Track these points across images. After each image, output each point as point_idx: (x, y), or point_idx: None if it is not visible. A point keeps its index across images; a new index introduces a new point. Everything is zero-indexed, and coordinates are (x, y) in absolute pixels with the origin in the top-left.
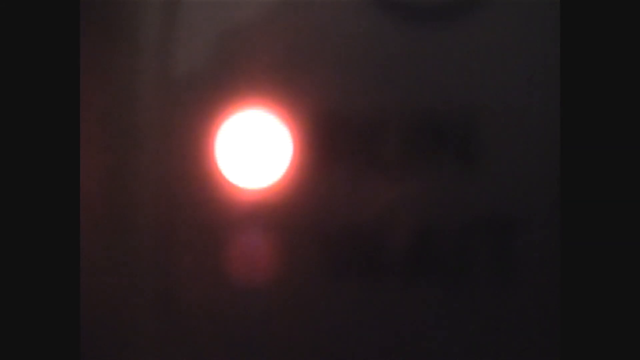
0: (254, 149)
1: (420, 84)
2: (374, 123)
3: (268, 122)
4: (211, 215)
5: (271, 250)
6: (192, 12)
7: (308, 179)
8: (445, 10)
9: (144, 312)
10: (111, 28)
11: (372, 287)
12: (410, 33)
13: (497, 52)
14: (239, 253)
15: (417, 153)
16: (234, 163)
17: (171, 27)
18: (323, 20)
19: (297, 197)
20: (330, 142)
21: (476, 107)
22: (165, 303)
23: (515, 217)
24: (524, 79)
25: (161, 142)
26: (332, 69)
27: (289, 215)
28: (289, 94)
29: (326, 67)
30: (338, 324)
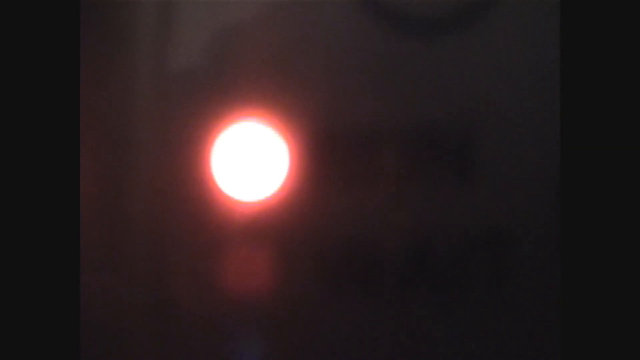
0: (250, 161)
1: (417, 95)
2: (370, 135)
3: (264, 134)
4: (207, 227)
5: (267, 262)
6: (191, 13)
7: (304, 192)
8: (442, 20)
9: (143, 316)
10: (111, 28)
11: (368, 299)
12: (406, 44)
13: (495, 62)
14: (235, 265)
15: (414, 165)
16: (230, 175)
17: (171, 29)
18: (321, 31)
19: (294, 209)
20: (327, 155)
21: (473, 118)
22: (163, 312)
23: (514, 229)
24: (522, 88)
25: (157, 154)
26: (329, 80)
27: (285, 227)
28: (286, 105)
29: (323, 79)
30: (334, 336)
